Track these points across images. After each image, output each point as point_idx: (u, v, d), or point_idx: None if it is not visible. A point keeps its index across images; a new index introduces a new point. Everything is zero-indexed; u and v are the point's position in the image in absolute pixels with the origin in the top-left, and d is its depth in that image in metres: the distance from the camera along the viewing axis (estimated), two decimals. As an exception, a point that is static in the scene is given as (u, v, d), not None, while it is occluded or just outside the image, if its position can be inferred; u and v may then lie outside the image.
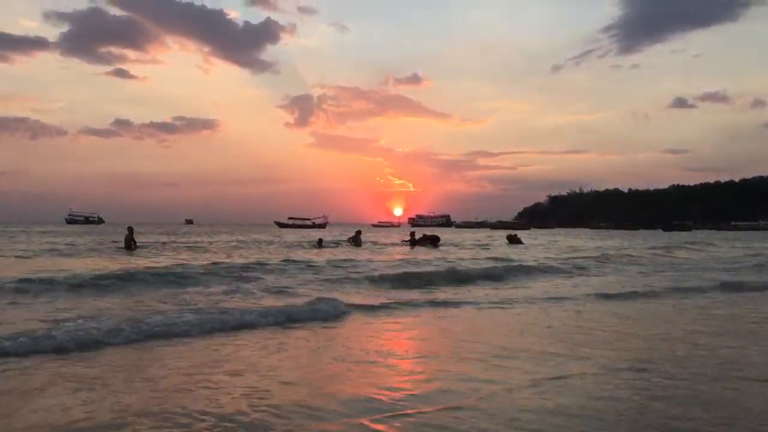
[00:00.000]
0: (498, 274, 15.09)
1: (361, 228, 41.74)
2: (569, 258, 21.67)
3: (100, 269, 13.49)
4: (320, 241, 29.97)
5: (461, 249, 29.40)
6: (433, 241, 31.29)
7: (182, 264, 15.76)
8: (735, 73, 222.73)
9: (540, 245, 34.87)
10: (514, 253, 25.69)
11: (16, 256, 19.40)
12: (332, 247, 29.06)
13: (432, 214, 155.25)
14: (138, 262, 17.26)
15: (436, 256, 22.70)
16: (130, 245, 23.57)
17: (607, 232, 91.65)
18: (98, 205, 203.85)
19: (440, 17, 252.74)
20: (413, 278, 13.42)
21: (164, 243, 31.44)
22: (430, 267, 16.45)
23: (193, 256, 20.76)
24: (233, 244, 31.93)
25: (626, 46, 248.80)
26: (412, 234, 32.70)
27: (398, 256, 22.57)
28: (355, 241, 31.06)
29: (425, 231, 38.41)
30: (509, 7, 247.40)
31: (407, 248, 29.66)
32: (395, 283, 12.75)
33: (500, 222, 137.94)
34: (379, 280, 12.98)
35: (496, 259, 20.77)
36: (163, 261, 17.61)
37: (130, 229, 24.02)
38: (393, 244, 33.42)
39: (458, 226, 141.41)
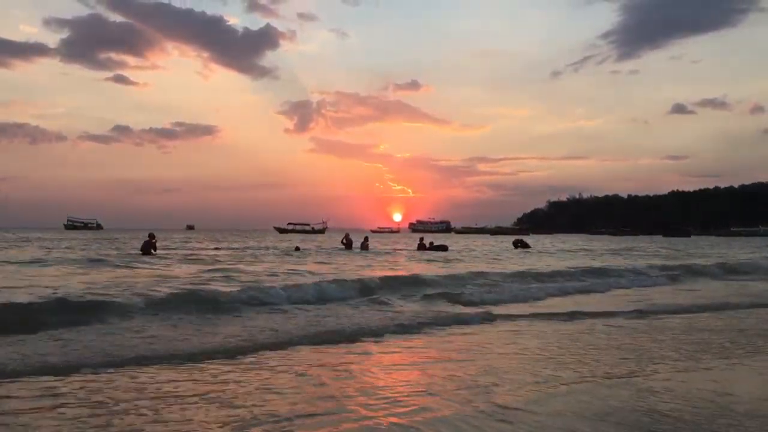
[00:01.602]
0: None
1: (361, 233, 43.74)
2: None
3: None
4: (297, 248, 31.89)
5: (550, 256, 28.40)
6: (441, 249, 32.78)
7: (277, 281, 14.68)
8: (734, 79, 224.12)
9: (578, 251, 34.01)
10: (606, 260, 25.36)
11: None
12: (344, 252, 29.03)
13: (432, 220, 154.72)
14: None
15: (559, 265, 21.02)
16: (150, 251, 23.51)
17: (609, 238, 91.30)
18: (98, 211, 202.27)
19: (440, 24, 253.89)
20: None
21: (175, 249, 31.17)
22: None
23: (250, 266, 19.49)
24: (258, 251, 30.63)
25: (625, 53, 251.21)
26: (421, 239, 34.81)
27: (459, 266, 21.52)
28: (363, 246, 31.94)
29: (429, 238, 39.90)
30: (508, 14, 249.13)
31: (427, 256, 29.08)
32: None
33: (499, 227, 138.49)
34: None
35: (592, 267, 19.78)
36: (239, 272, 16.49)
37: (151, 235, 24.49)
38: (401, 250, 35.08)
39: (458, 231, 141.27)
